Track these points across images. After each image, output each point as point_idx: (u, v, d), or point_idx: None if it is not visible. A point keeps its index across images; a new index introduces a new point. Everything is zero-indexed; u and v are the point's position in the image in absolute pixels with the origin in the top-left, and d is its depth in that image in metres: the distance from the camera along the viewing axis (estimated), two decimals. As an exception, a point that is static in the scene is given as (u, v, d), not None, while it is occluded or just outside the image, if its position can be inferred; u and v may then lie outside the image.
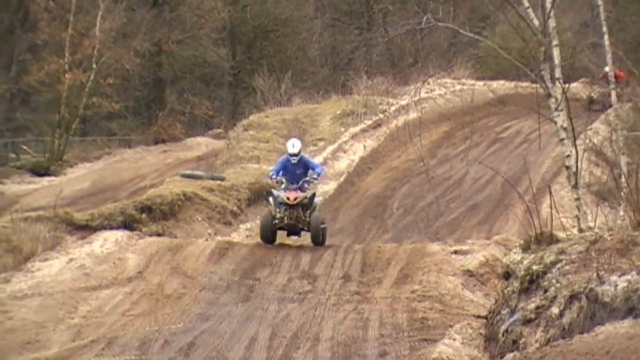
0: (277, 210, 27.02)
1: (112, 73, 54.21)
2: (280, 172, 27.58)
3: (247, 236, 32.95)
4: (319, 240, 27.93)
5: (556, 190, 27.02)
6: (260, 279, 25.03)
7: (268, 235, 27.71)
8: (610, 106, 41.11)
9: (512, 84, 46.37)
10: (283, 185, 27.26)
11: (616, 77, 41.75)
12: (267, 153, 41.94)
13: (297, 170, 27.62)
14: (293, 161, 27.60)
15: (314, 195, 27.94)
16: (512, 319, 16.30)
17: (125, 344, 19.72)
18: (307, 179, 27.60)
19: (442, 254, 26.17)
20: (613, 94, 28.81)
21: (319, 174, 27.81)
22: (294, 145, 27.63)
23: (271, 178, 28.24)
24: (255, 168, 39.50)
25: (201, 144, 50.65)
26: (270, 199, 27.77)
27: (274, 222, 27.45)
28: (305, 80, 53.91)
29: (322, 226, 28.21)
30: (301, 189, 27.44)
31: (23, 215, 30.71)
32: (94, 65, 51.58)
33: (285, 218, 27.26)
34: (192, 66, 60.47)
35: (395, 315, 21.58)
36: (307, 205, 27.31)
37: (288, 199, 26.86)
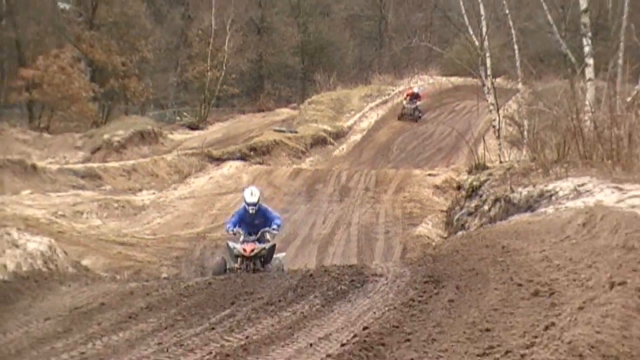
0: (233, 262, 15.26)
1: (234, 72, 54.03)
2: (237, 225, 15.49)
3: (310, 165, 32.88)
4: None
5: (487, 139, 26.81)
6: (317, 189, 25.01)
7: None
8: (419, 117, 38.66)
9: (462, 78, 45.68)
10: (241, 238, 15.25)
11: (419, 96, 39.64)
12: (322, 117, 41.76)
13: (255, 221, 15.44)
14: (251, 211, 15.35)
15: (274, 247, 15.62)
16: (461, 212, 16.29)
17: (241, 225, 19.94)
18: (267, 229, 15.44)
19: (421, 175, 26.04)
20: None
21: (278, 226, 15.48)
22: (252, 194, 15.50)
23: (227, 231, 15.91)
24: (315, 126, 39.33)
25: (284, 112, 50.25)
26: (227, 250, 15.49)
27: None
28: (344, 76, 53.34)
29: None
30: (260, 240, 15.31)
31: (184, 152, 30.88)
32: (224, 67, 51.43)
33: (241, 271, 14.80)
34: (279, 67, 60.14)
35: (394, 210, 21.54)
36: (266, 257, 15.33)
37: (244, 250, 15.05)
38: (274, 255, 15.34)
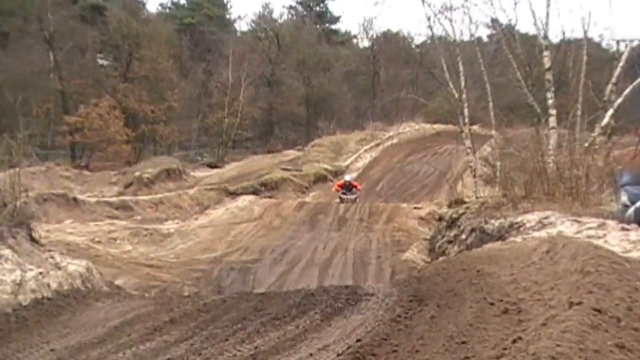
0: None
1: (248, 118, 54.25)
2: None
3: (312, 199, 32.93)
4: None
5: (465, 178, 26.87)
6: (319, 220, 24.99)
7: None
8: (355, 200, 29.54)
9: (444, 125, 45.79)
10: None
11: (354, 186, 30.74)
12: (323, 158, 41.91)
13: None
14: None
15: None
16: (442, 241, 16.23)
17: (253, 250, 19.82)
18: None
19: (408, 208, 26.03)
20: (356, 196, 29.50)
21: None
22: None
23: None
24: (317, 165, 39.43)
25: (291, 153, 50.37)
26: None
27: None
28: (342, 123, 53.55)
29: None
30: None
31: (204, 187, 30.90)
32: (239, 115, 51.68)
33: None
34: (287, 115, 60.39)
35: (384, 238, 21.50)
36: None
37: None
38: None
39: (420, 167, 38.97)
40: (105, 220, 23.43)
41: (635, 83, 16.95)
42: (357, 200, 29.97)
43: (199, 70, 56.82)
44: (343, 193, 30.40)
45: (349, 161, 41.99)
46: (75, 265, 9.89)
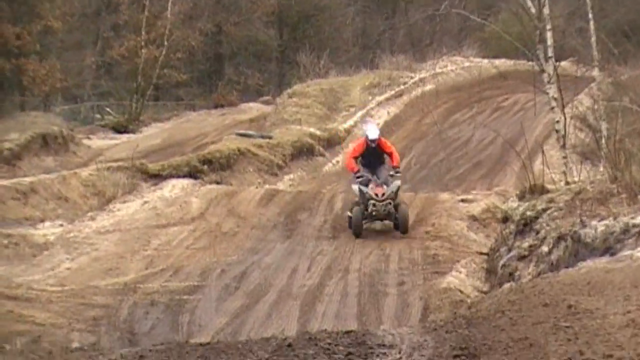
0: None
1: (180, 49, 53.99)
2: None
3: (290, 185, 32.93)
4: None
5: (547, 150, 26.81)
6: (301, 220, 25.02)
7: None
8: (395, 197, 24.12)
9: (512, 61, 45.70)
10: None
11: (388, 153, 25.47)
12: (308, 117, 41.90)
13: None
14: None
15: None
16: (509, 256, 16.30)
17: (189, 272, 19.82)
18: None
19: (451, 202, 26.07)
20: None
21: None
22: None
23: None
24: (298, 129, 39.37)
25: (253, 108, 50.29)
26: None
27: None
28: (340, 57, 53.50)
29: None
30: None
31: (106, 165, 30.77)
32: (165, 42, 51.37)
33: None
34: (246, 44, 60.10)
35: (411, 252, 21.51)
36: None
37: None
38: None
39: (471, 132, 39.01)
40: (-64, 221, 23.37)
41: None
42: (399, 189, 24.54)
43: (97, -34, 56.57)
44: (363, 182, 24.00)
45: (351, 121, 41.97)
46: None
